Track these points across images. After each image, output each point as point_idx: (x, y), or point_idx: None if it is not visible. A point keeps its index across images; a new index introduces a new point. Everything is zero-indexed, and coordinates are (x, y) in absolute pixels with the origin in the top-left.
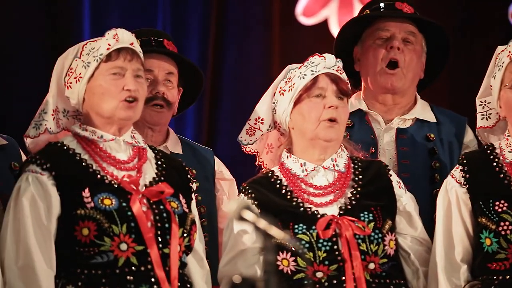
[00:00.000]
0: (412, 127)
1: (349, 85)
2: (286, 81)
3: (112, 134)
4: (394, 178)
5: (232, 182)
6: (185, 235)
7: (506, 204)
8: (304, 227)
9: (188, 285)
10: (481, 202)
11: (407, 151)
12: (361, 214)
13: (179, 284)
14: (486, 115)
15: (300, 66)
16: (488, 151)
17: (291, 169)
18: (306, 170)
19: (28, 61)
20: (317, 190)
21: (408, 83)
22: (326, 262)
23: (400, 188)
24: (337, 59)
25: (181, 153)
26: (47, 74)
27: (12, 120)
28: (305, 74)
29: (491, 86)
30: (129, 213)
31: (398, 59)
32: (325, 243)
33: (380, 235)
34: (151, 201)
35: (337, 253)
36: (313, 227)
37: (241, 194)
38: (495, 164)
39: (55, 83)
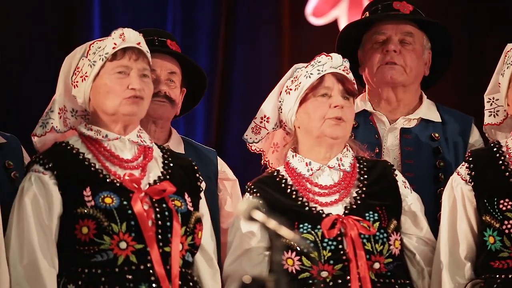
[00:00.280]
0: (416, 127)
1: (355, 85)
2: (292, 80)
3: (118, 133)
4: (400, 178)
5: (235, 183)
6: (188, 233)
7: (510, 203)
8: (309, 226)
9: (191, 284)
10: (485, 200)
11: (411, 151)
12: (366, 214)
13: (180, 282)
14: (494, 112)
15: (307, 65)
16: (495, 149)
17: (296, 168)
18: (312, 170)
19: (38, 62)
20: (323, 189)
21: (410, 79)
22: (331, 262)
23: (405, 188)
24: (344, 59)
25: (183, 153)
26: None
27: (18, 120)
28: (311, 73)
29: (499, 83)
30: (130, 211)
31: (395, 62)
32: (330, 243)
33: (385, 234)
34: (154, 200)
35: (342, 252)
36: (318, 227)
37: (246, 193)
38: (501, 162)
39: (62, 82)
